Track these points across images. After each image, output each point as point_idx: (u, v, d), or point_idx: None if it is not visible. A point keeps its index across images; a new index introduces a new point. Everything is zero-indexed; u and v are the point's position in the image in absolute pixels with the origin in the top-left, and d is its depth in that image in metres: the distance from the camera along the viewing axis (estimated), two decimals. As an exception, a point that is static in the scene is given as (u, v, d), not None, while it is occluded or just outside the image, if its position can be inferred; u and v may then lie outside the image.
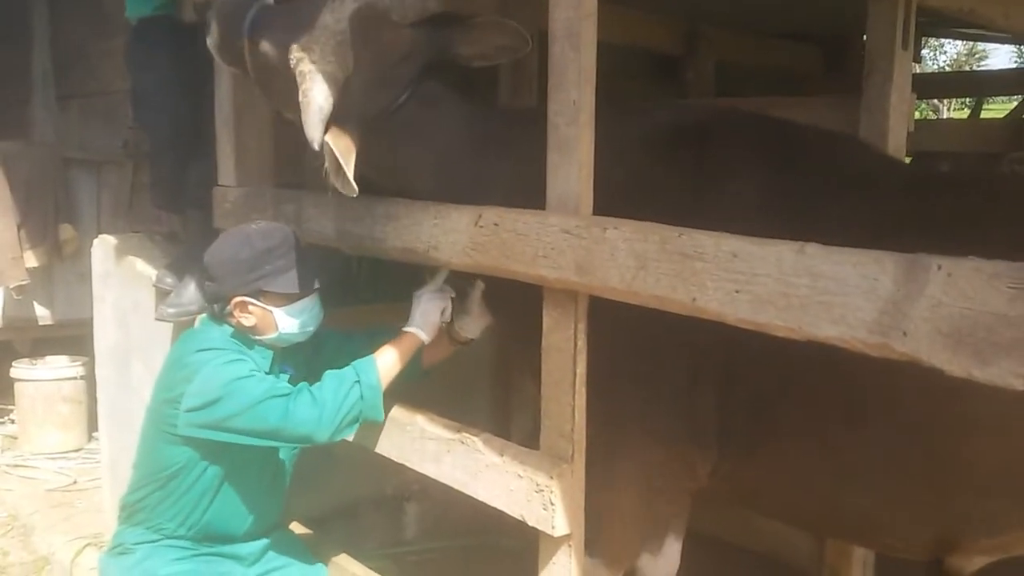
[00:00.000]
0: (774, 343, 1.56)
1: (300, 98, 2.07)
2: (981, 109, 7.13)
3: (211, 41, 2.37)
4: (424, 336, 2.37)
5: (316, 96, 2.06)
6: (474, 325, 2.50)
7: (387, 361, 2.30)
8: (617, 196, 1.90)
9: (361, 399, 2.23)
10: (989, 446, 1.85)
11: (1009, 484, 1.87)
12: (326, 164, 2.11)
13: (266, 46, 2.20)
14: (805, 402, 2.01)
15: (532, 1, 3.42)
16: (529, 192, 1.97)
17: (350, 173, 2.08)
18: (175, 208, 3.31)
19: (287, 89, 2.16)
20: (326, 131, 2.10)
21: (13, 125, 5.94)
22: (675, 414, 2.10)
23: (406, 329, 2.37)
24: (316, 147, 2.06)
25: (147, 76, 3.11)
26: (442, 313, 2.41)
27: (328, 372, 2.29)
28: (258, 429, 2.20)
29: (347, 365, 2.43)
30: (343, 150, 2.08)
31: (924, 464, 1.92)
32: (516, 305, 2.18)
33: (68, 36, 5.65)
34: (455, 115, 2.31)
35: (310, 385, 2.25)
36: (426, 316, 2.38)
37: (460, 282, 2.42)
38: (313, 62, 2.07)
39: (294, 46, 2.10)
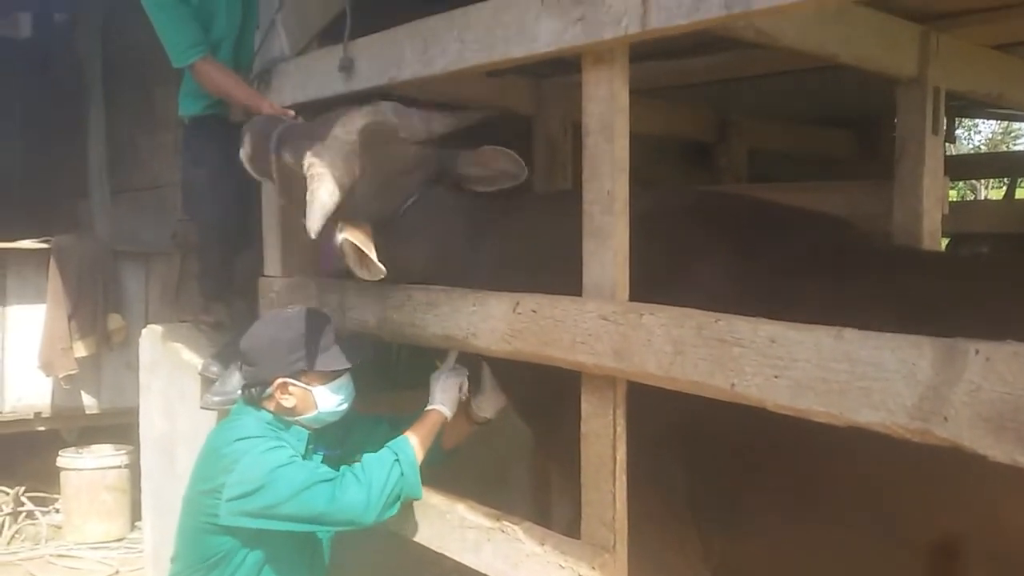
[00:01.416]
0: (738, 420, 1.61)
1: (307, 196, 2.23)
2: (1016, 189, 7.09)
3: (243, 154, 2.59)
4: (447, 411, 2.45)
5: (321, 194, 2.22)
6: (489, 404, 2.59)
7: (419, 438, 2.36)
8: None
9: (402, 476, 2.27)
10: (969, 529, 1.80)
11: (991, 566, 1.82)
12: (348, 260, 2.29)
13: (286, 157, 2.41)
14: (776, 482, 1.99)
15: (566, 95, 3.56)
16: (514, 266, 2.09)
17: (373, 256, 2.25)
18: (222, 297, 3.40)
19: (304, 196, 2.32)
20: (341, 230, 2.25)
21: (68, 218, 6.18)
22: (663, 495, 2.09)
23: (429, 407, 2.44)
24: (313, 236, 2.21)
25: (198, 171, 3.24)
26: (460, 388, 2.49)
27: (366, 455, 2.32)
28: (304, 515, 2.22)
29: (378, 448, 2.47)
30: (362, 240, 2.26)
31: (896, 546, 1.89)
32: (537, 394, 2.22)
33: (120, 132, 5.91)
34: (452, 211, 2.47)
35: (348, 467, 2.28)
36: (446, 393, 2.47)
37: (471, 364, 2.50)
38: (321, 166, 2.25)
39: (307, 153, 2.29)
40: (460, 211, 2.47)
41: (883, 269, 2.07)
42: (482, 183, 2.46)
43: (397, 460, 2.28)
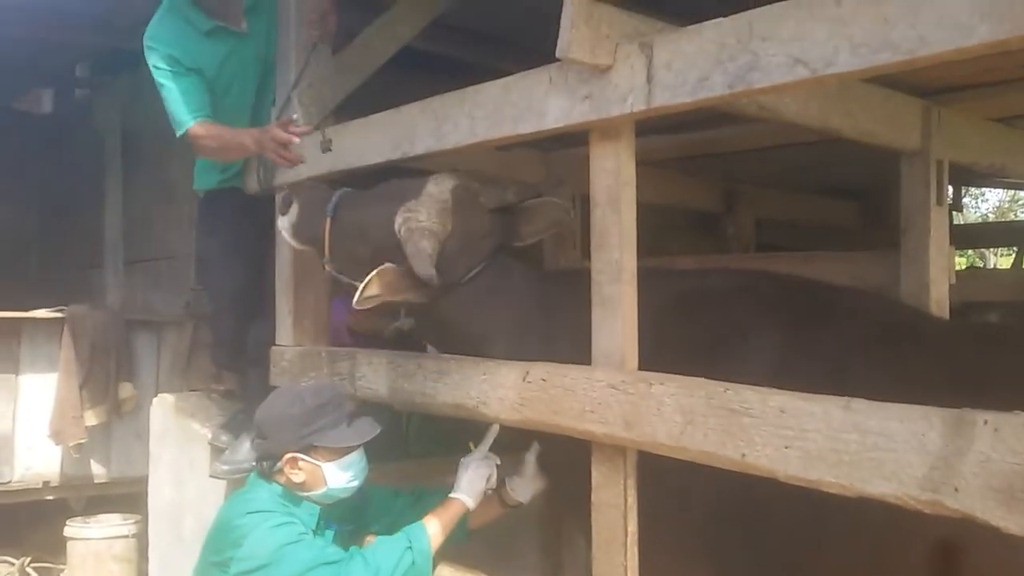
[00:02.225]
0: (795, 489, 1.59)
1: (409, 249, 2.27)
2: (1024, 258, 7.11)
3: (287, 220, 2.62)
4: (470, 503, 2.40)
5: (425, 245, 2.27)
6: (527, 488, 2.54)
7: (436, 527, 2.31)
8: (646, 355, 1.98)
9: (413, 565, 2.22)
10: None
11: None
12: (376, 285, 2.29)
13: (361, 218, 2.46)
14: (839, 557, 1.98)
15: (573, 169, 3.62)
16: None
17: (376, 291, 2.27)
18: (234, 367, 3.42)
19: (367, 260, 2.38)
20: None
21: (83, 288, 6.25)
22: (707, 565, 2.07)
23: (453, 496, 2.40)
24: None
25: (212, 242, 3.29)
26: (487, 480, 2.44)
27: (380, 538, 2.30)
28: None
29: (393, 522, 2.45)
30: (387, 280, 2.28)
31: None
32: (567, 463, 2.20)
33: (136, 204, 6.01)
34: (525, 281, 2.51)
35: (359, 549, 2.25)
36: (472, 484, 2.41)
37: (515, 444, 2.46)
38: (420, 221, 2.30)
39: (401, 209, 2.34)
40: (534, 279, 2.53)
41: (935, 344, 2.09)
42: (534, 235, 2.56)
43: (410, 548, 2.24)
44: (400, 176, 2.55)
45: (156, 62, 2.95)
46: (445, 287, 2.34)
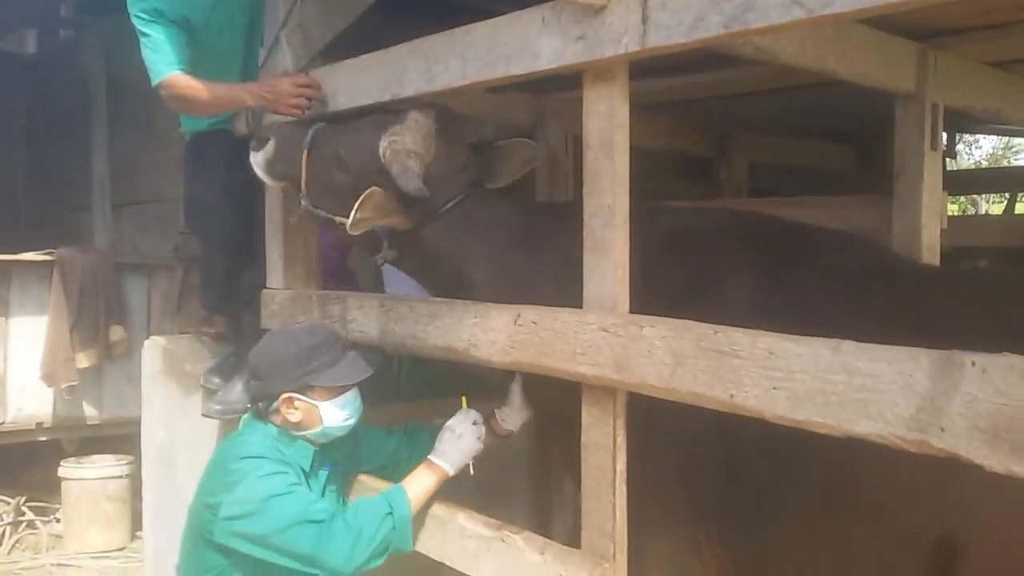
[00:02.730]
0: (767, 433, 1.63)
1: (395, 171, 2.31)
2: (1016, 204, 7.13)
3: (263, 156, 2.62)
4: (451, 470, 2.39)
5: (412, 165, 2.33)
6: (515, 418, 2.57)
7: (417, 492, 2.33)
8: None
9: (393, 530, 2.25)
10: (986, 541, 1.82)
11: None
12: (363, 208, 2.33)
13: (341, 147, 2.48)
14: (802, 493, 2.02)
15: (565, 111, 3.59)
16: (575, 283, 2.06)
17: (363, 213, 2.33)
18: (224, 310, 3.42)
19: (346, 191, 2.42)
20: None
21: (71, 231, 6.22)
22: (683, 503, 2.10)
23: (435, 462, 2.39)
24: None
25: (201, 186, 3.26)
26: (471, 453, 2.43)
27: (361, 499, 2.32)
28: (290, 551, 2.21)
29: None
30: (376, 202, 2.33)
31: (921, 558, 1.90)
32: (558, 403, 2.22)
33: (124, 146, 5.95)
34: (508, 213, 2.52)
35: (341, 499, 2.27)
36: (460, 455, 2.41)
37: (501, 376, 2.48)
38: (406, 143, 2.36)
39: (384, 135, 2.37)
40: (517, 212, 2.54)
41: (908, 288, 2.10)
42: (507, 175, 2.59)
43: (390, 513, 2.25)
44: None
45: (138, 11, 2.88)
46: (427, 214, 2.40)
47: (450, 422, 2.45)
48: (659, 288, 1.97)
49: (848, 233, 2.45)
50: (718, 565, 2.21)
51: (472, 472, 2.46)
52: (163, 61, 2.86)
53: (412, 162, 2.33)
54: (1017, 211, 7.29)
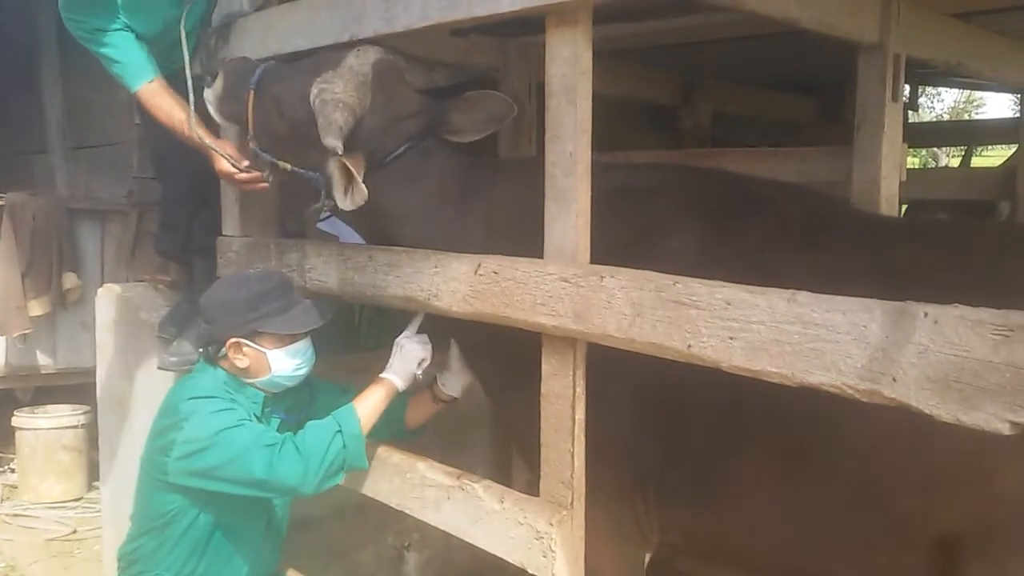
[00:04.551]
0: (718, 391, 1.67)
1: (321, 121, 2.19)
2: (971, 158, 7.23)
3: (212, 93, 2.51)
4: (399, 383, 2.40)
5: (337, 116, 2.19)
6: (456, 383, 2.57)
7: (366, 408, 2.33)
8: None
9: (344, 448, 2.25)
10: (938, 500, 1.86)
11: (962, 539, 1.88)
12: (335, 182, 2.24)
13: (280, 90, 2.36)
14: (751, 453, 2.04)
15: (530, 56, 3.53)
16: (507, 237, 2.07)
17: (361, 178, 2.20)
18: (180, 258, 3.35)
19: (287, 133, 2.34)
20: (335, 153, 2.20)
21: (24, 174, 6.04)
22: (623, 464, 2.12)
23: (383, 376, 2.40)
24: (340, 151, 2.17)
25: (162, 131, 3.16)
26: (420, 363, 2.44)
27: (309, 423, 2.31)
28: (244, 479, 2.21)
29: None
30: (355, 165, 2.22)
31: (874, 519, 1.94)
32: (508, 355, 2.22)
33: (76, 88, 5.76)
34: (444, 165, 2.42)
35: (291, 435, 2.27)
36: (404, 364, 2.42)
37: (439, 341, 2.47)
38: (335, 92, 2.21)
39: (317, 80, 2.25)
40: (454, 165, 2.43)
41: (856, 238, 2.11)
42: (472, 130, 2.45)
43: (339, 432, 2.25)
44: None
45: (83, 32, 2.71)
46: (370, 164, 2.29)
47: (397, 338, 2.45)
48: (602, 246, 1.96)
49: (796, 185, 2.45)
50: (659, 530, 2.25)
51: (419, 380, 2.47)
52: (129, 76, 2.75)
53: (338, 114, 2.18)
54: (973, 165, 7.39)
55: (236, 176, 2.63)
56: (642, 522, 2.23)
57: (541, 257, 1.96)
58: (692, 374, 1.69)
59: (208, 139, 2.65)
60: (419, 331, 2.49)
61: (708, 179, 2.40)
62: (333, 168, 2.24)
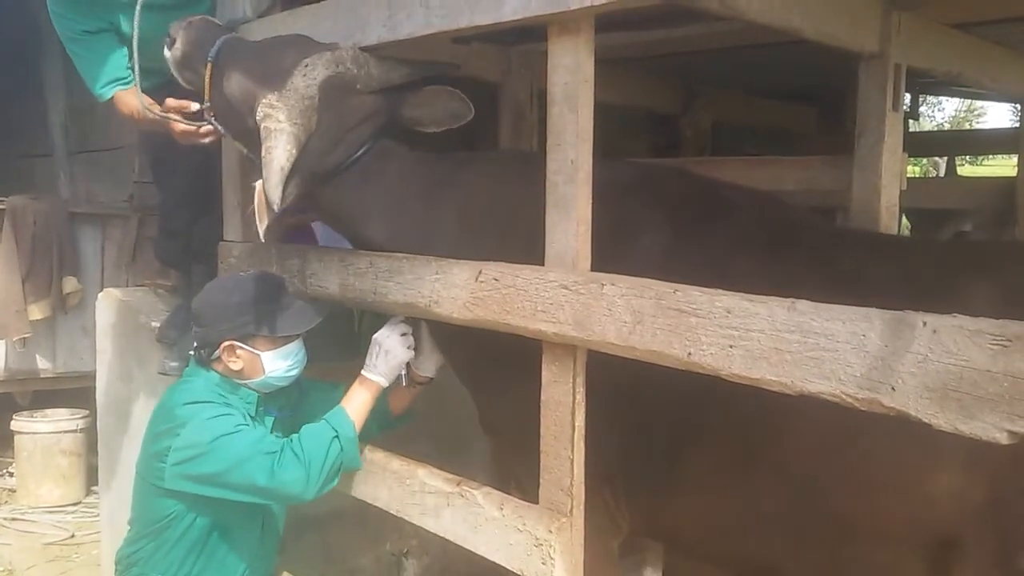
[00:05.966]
0: (679, 386, 1.70)
1: (263, 154, 2.15)
2: (955, 168, 7.32)
3: (172, 55, 2.43)
4: (383, 382, 2.39)
5: (279, 155, 2.12)
6: (429, 363, 2.55)
7: (356, 409, 2.34)
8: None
9: (342, 451, 2.27)
10: (886, 499, 1.87)
11: (907, 536, 1.89)
12: (256, 206, 2.22)
13: (231, 82, 2.30)
14: (709, 447, 2.07)
15: (532, 64, 3.54)
16: (482, 227, 2.08)
17: (262, 228, 2.19)
18: (181, 264, 3.36)
19: (239, 122, 2.31)
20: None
21: (26, 178, 6.04)
22: (590, 455, 2.14)
23: (367, 376, 2.39)
24: (276, 208, 2.12)
25: (160, 139, 3.17)
26: (400, 362, 2.42)
27: (305, 428, 2.31)
28: (246, 486, 2.22)
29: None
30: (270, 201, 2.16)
31: (819, 515, 1.96)
32: (476, 362, 2.26)
33: (79, 92, 5.76)
34: (404, 163, 2.40)
35: (288, 437, 2.28)
36: (388, 363, 2.40)
37: (410, 323, 2.46)
38: (279, 121, 2.15)
39: (263, 101, 2.19)
40: (414, 162, 2.40)
41: (816, 249, 2.12)
42: (429, 125, 2.40)
43: (336, 437, 2.26)
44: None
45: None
46: (323, 177, 2.27)
47: (377, 335, 2.43)
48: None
49: (764, 192, 2.46)
50: (629, 521, 2.28)
51: (404, 383, 2.48)
52: (105, 78, 2.77)
53: (279, 149, 2.11)
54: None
55: (199, 131, 2.53)
56: (612, 511, 2.26)
57: (517, 247, 1.97)
58: (655, 370, 1.72)
59: (158, 109, 2.59)
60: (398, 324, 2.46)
61: (677, 181, 2.41)
62: (256, 196, 2.22)
